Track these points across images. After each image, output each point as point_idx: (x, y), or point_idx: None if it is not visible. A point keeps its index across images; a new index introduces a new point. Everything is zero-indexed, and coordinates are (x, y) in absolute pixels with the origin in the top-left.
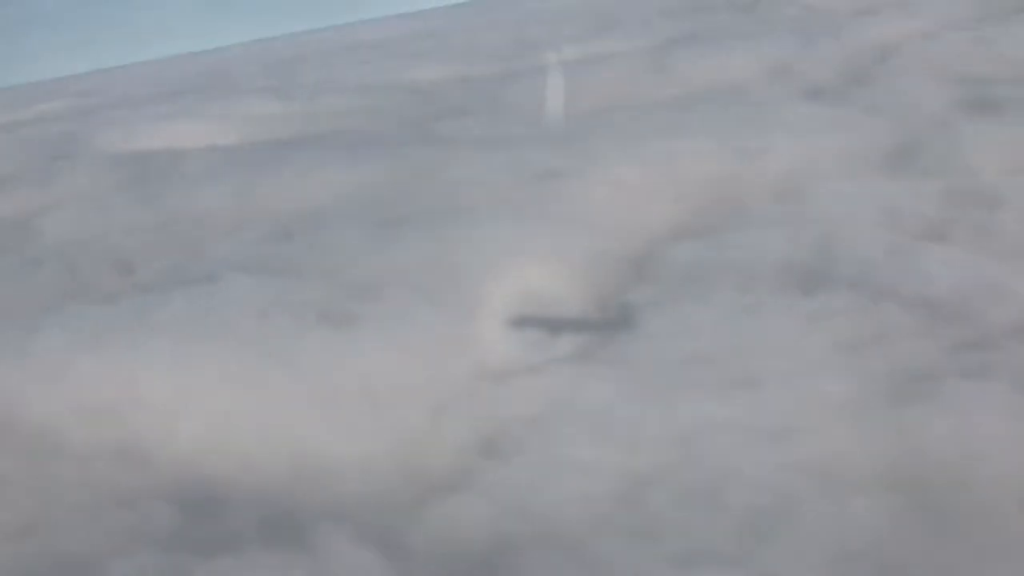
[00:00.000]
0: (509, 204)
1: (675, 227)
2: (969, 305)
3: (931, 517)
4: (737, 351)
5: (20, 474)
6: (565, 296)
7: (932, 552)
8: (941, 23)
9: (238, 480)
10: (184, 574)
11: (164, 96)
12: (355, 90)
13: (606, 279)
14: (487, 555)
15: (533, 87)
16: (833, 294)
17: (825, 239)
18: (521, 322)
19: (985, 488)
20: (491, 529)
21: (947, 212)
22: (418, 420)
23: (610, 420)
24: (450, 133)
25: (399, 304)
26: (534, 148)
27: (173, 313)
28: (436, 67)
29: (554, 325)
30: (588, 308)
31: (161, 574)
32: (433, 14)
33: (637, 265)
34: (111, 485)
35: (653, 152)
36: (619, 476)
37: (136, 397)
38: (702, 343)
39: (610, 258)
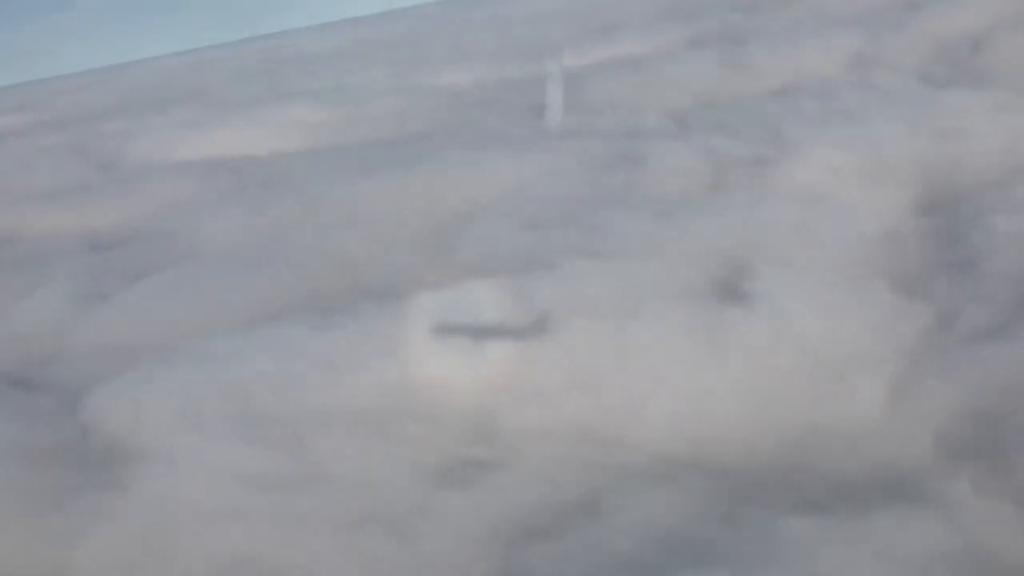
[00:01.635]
0: (746, 189)
1: (932, 203)
2: None
3: None
4: None
5: (500, 456)
6: (908, 269)
7: None
8: (1005, 15)
9: (737, 453)
10: (831, 532)
11: (150, 105)
12: (397, 93)
13: (927, 252)
14: None
15: (608, 86)
16: None
17: None
18: (903, 291)
19: None
20: None
21: None
22: (898, 386)
23: None
24: (589, 128)
25: (775, 279)
26: (708, 138)
27: (555, 295)
28: (459, 70)
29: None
30: (960, 280)
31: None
32: (381, 20)
33: (950, 238)
34: (617, 463)
35: (843, 137)
36: None
37: (567, 379)
38: None
39: (907, 233)
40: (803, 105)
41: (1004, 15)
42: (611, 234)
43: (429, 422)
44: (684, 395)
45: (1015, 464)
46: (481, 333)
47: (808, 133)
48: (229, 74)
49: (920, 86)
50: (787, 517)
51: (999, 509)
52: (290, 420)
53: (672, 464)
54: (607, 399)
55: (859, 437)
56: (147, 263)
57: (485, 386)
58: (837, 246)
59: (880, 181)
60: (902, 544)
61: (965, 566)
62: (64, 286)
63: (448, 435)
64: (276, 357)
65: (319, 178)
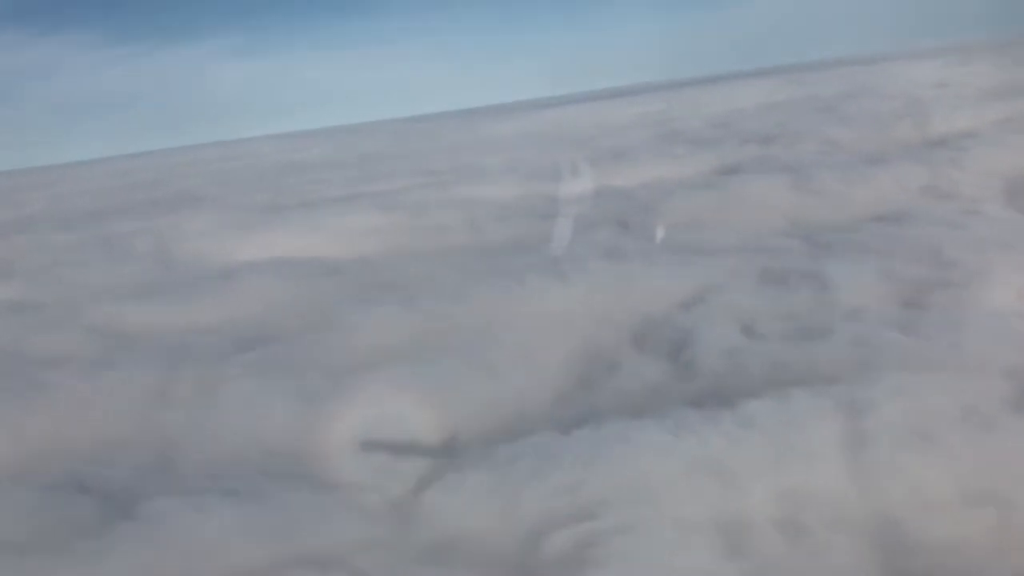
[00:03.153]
0: (958, 309)
1: None
2: None
3: None
4: None
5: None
6: None
7: None
8: None
9: None
10: None
11: (150, 206)
12: (445, 204)
13: None
14: None
15: (681, 204)
16: None
17: None
18: None
19: None
20: None
21: None
22: None
23: None
24: (715, 243)
25: None
26: (866, 258)
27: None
28: (488, 186)
29: None
30: None
31: None
32: (343, 135)
33: None
34: None
35: (1011, 264)
36: None
37: (963, 492)
38: None
39: None
40: (934, 232)
41: None
42: (879, 347)
43: (834, 530)
44: None
45: None
46: (815, 443)
47: (973, 258)
48: (217, 178)
49: None
50: None
51: None
52: (703, 524)
53: None
54: (1015, 515)
55: None
56: (328, 361)
57: (877, 497)
58: None
59: None
60: None
61: None
62: (250, 384)
63: (864, 544)
64: (640, 460)
65: (450, 282)
